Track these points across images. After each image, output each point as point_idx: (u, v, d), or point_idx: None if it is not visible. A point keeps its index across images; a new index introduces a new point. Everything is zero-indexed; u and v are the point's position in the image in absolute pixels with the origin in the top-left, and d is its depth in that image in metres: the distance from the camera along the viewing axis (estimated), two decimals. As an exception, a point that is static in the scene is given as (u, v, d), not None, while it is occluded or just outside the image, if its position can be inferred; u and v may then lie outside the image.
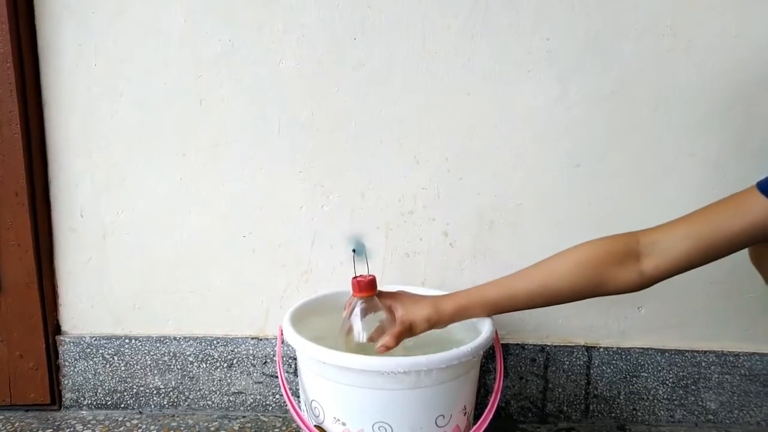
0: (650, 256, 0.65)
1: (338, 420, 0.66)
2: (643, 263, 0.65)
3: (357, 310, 0.73)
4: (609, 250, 0.67)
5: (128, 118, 0.89)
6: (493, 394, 0.70)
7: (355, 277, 0.73)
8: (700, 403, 0.94)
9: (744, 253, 0.89)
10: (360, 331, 0.72)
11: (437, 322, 0.71)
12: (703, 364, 0.92)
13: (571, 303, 0.91)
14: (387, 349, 0.68)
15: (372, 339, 0.71)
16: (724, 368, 0.92)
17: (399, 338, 0.69)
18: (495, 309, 0.72)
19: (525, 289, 0.70)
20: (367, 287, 0.72)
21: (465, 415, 0.70)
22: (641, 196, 0.88)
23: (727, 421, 0.94)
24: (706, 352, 0.92)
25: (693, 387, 0.93)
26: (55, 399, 0.97)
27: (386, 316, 0.72)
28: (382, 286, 0.75)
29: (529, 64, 0.85)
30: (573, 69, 0.85)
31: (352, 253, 0.73)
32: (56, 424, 0.93)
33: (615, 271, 0.66)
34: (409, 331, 0.70)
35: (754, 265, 0.74)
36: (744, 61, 0.84)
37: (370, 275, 0.73)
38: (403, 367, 0.61)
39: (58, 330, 0.96)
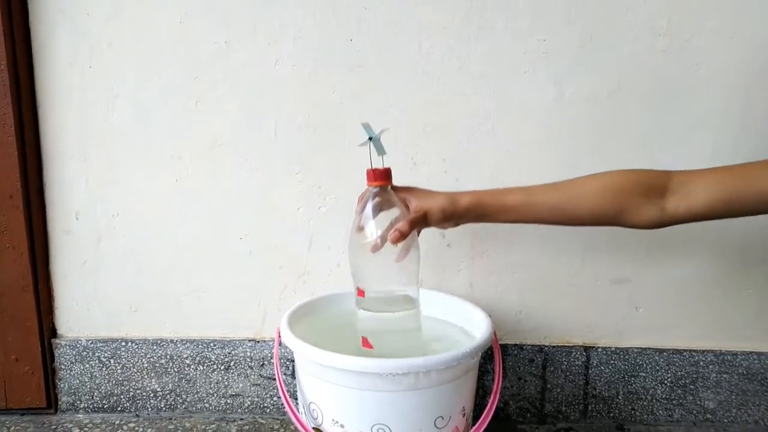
0: (675, 195, 0.64)
1: (336, 422, 0.66)
2: (667, 200, 0.64)
3: (370, 203, 0.68)
4: (639, 180, 0.66)
5: (123, 120, 0.89)
6: (492, 395, 0.70)
7: (370, 168, 0.69)
8: (699, 403, 0.94)
9: (742, 254, 0.90)
10: (372, 226, 0.67)
11: (452, 214, 0.68)
12: (702, 363, 0.92)
13: (569, 302, 0.92)
14: (401, 235, 0.65)
15: (384, 238, 0.67)
16: (722, 367, 0.92)
17: (413, 225, 0.66)
18: (511, 214, 0.69)
19: (546, 200, 0.68)
20: (382, 176, 0.68)
21: (464, 416, 0.70)
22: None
23: (725, 420, 0.94)
24: (704, 351, 0.92)
25: (691, 386, 0.93)
26: (51, 403, 0.96)
27: (401, 211, 0.68)
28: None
29: (526, 65, 0.85)
30: (569, 70, 0.85)
31: (368, 141, 0.68)
32: (52, 428, 0.93)
33: (639, 202, 0.65)
34: (423, 220, 0.67)
35: None
36: (739, 61, 0.84)
37: (385, 167, 0.69)
38: (402, 368, 0.61)
39: (53, 333, 0.96)
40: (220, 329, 0.95)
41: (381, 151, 0.69)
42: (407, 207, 0.69)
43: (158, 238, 0.92)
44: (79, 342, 0.95)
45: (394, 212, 0.69)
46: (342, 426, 0.65)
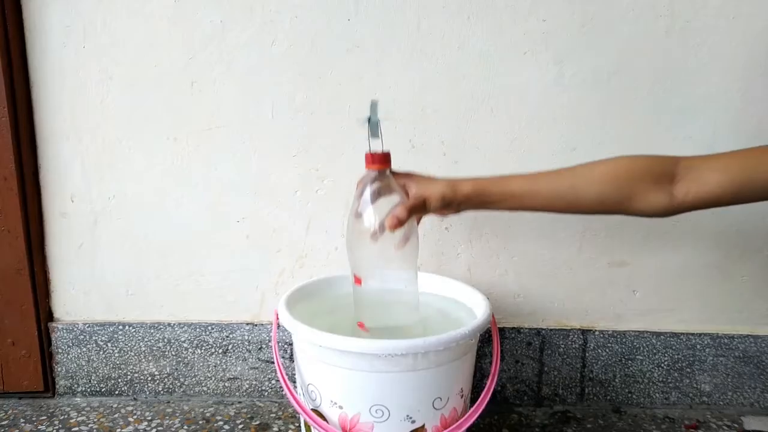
0: (684, 181, 0.62)
1: (335, 403, 0.66)
2: (675, 186, 0.62)
3: (369, 188, 0.67)
4: (646, 166, 0.64)
5: (118, 101, 0.88)
6: (490, 377, 0.70)
7: (369, 152, 0.67)
8: (695, 386, 0.94)
9: (739, 237, 0.89)
10: (371, 213, 0.66)
11: (452, 200, 0.66)
12: (698, 346, 0.93)
13: (567, 285, 0.92)
14: (399, 222, 0.63)
15: (383, 225, 0.65)
16: (719, 350, 0.93)
17: (411, 211, 0.64)
18: (514, 202, 0.66)
19: (550, 187, 0.66)
20: (381, 159, 0.66)
21: (462, 398, 0.70)
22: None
23: (721, 403, 0.95)
24: (701, 334, 0.92)
25: (688, 369, 0.94)
26: (49, 386, 0.96)
27: (400, 197, 0.67)
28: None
29: (525, 45, 0.84)
30: (569, 51, 0.84)
31: (367, 123, 0.66)
32: (50, 411, 0.93)
33: (647, 188, 0.63)
34: (422, 206, 0.66)
35: None
36: (741, 42, 0.83)
37: (384, 151, 0.67)
38: (401, 349, 0.61)
39: (50, 317, 0.96)
40: (218, 313, 0.95)
41: (375, 134, 0.67)
42: (407, 193, 0.68)
43: (155, 221, 0.92)
44: (76, 326, 0.94)
45: (393, 198, 0.67)
46: (340, 407, 0.66)
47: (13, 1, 0.84)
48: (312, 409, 0.69)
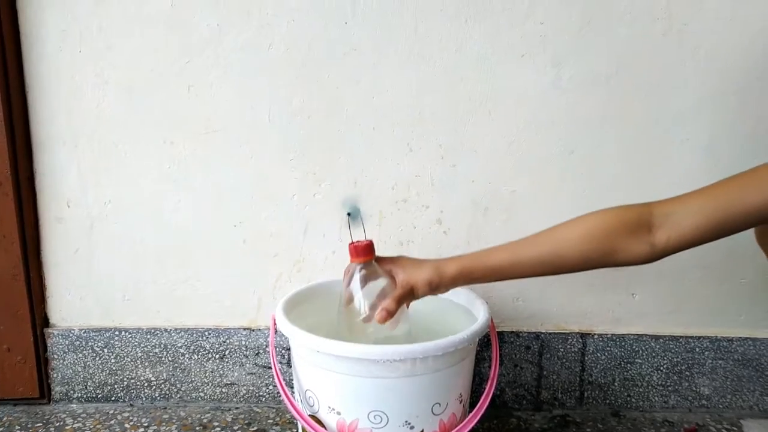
0: (662, 228, 0.63)
1: (333, 409, 0.65)
2: (655, 235, 0.63)
3: (356, 277, 0.69)
4: (622, 219, 0.65)
5: (115, 106, 0.87)
6: (489, 382, 0.70)
7: (352, 243, 0.69)
8: (694, 389, 0.94)
9: (737, 240, 0.89)
10: (361, 299, 0.68)
11: (439, 285, 0.68)
12: (697, 349, 0.92)
13: (565, 289, 0.91)
14: (388, 314, 0.66)
15: (373, 308, 0.68)
16: (718, 353, 0.92)
17: (400, 301, 0.67)
18: (499, 274, 0.68)
19: (532, 255, 0.67)
20: (364, 251, 0.69)
21: (461, 403, 0.70)
22: (635, 182, 0.88)
23: (720, 406, 0.94)
24: (700, 337, 0.92)
25: (687, 373, 0.93)
26: (44, 392, 0.95)
27: (387, 282, 0.69)
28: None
29: (523, 48, 0.84)
30: (567, 53, 0.84)
31: (347, 217, 0.69)
32: (46, 417, 0.92)
33: (626, 241, 0.64)
34: (410, 294, 0.68)
35: (758, 243, 0.73)
36: (738, 45, 0.83)
37: (367, 240, 0.70)
38: (399, 354, 0.60)
39: (46, 322, 0.95)
40: (215, 318, 0.94)
41: (353, 225, 0.71)
42: (393, 279, 0.69)
43: (151, 226, 0.91)
44: (72, 331, 0.94)
45: (380, 282, 0.69)
46: (339, 413, 0.65)
47: (9, 5, 0.84)
48: (310, 415, 0.68)
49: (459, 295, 0.79)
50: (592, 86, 0.85)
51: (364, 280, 0.69)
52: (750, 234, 0.89)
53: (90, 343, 0.94)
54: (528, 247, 0.68)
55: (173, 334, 0.94)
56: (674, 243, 0.63)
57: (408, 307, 0.71)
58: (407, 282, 0.68)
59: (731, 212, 0.61)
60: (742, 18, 0.82)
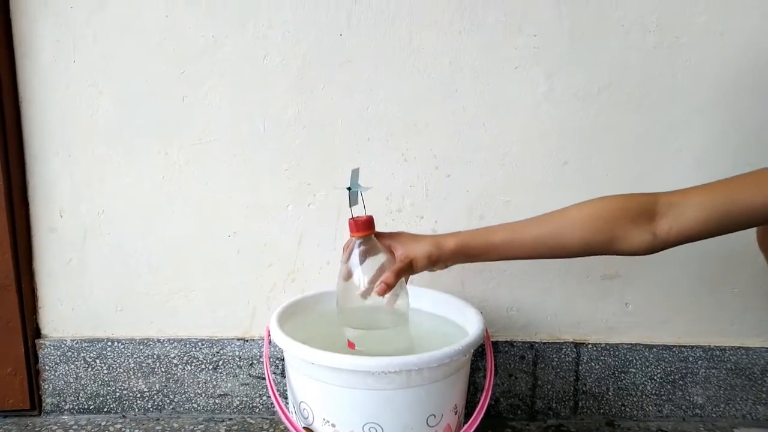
0: (665, 218, 0.63)
1: (328, 421, 0.65)
2: (657, 224, 0.63)
3: (356, 252, 0.68)
4: (625, 206, 0.65)
5: (109, 116, 0.87)
6: (484, 392, 0.70)
7: (352, 218, 0.69)
8: (688, 398, 0.94)
9: (729, 249, 0.90)
10: (360, 275, 0.68)
11: (438, 259, 0.67)
12: (690, 359, 0.93)
13: (559, 298, 0.92)
14: (387, 287, 0.65)
15: (372, 283, 0.67)
16: (711, 363, 0.93)
17: (399, 275, 0.66)
18: (498, 253, 0.68)
19: (533, 235, 0.67)
20: (364, 226, 0.68)
21: (456, 414, 0.69)
22: (627, 192, 0.88)
23: (714, 415, 0.95)
24: (693, 347, 0.93)
25: (680, 382, 0.94)
26: (35, 404, 0.94)
27: (386, 258, 0.68)
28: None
29: (516, 60, 0.85)
30: (560, 65, 0.85)
31: (347, 191, 0.68)
32: (36, 429, 0.91)
33: (629, 229, 0.63)
34: (409, 268, 0.67)
35: (759, 247, 0.73)
36: (729, 57, 0.84)
37: (367, 215, 0.69)
38: (394, 366, 0.60)
39: (37, 333, 0.94)
40: (208, 328, 0.94)
41: (353, 202, 0.69)
42: (392, 254, 0.69)
43: (145, 236, 0.91)
44: (64, 342, 0.93)
45: (380, 258, 0.69)
46: (333, 425, 0.65)
47: (2, 15, 0.84)
48: (304, 427, 0.68)
49: (453, 305, 0.79)
50: (585, 98, 0.86)
51: (364, 255, 0.68)
52: (742, 243, 0.90)
53: (82, 354, 0.93)
54: (529, 226, 0.68)
55: (166, 345, 0.93)
56: (675, 234, 0.63)
57: (407, 282, 0.71)
58: (406, 256, 0.67)
59: (734, 209, 0.61)
60: (732, 32, 0.83)
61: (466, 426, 0.67)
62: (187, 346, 0.93)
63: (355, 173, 0.69)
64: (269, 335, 0.71)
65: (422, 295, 0.81)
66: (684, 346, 0.93)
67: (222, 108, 0.87)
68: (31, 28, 0.84)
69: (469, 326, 0.73)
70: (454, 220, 0.90)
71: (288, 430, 0.68)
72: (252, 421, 0.94)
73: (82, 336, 0.94)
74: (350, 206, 0.69)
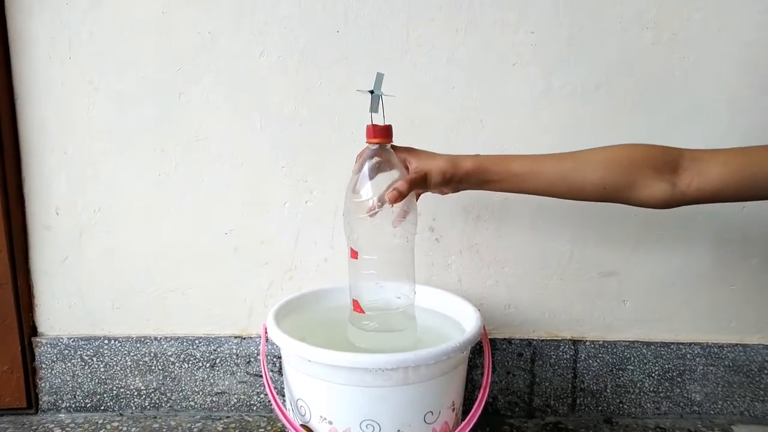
0: (688, 171, 0.61)
1: (325, 419, 0.65)
2: (679, 177, 0.62)
3: (369, 163, 0.65)
4: (650, 154, 0.64)
5: (104, 113, 0.87)
6: (482, 390, 0.70)
7: (370, 124, 0.65)
8: (686, 395, 0.94)
9: (727, 246, 0.90)
10: (369, 187, 0.65)
11: (452, 177, 0.65)
12: (689, 356, 0.93)
13: (557, 296, 0.92)
14: (399, 195, 0.62)
15: (381, 200, 0.64)
16: (709, 360, 0.93)
17: (412, 185, 0.63)
18: (516, 182, 0.66)
19: (553, 168, 0.65)
20: (382, 133, 0.65)
21: (453, 411, 0.69)
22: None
23: (712, 412, 0.95)
24: (691, 344, 0.93)
25: (678, 379, 0.94)
26: (32, 402, 0.94)
27: (400, 173, 0.65)
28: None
29: (514, 57, 0.85)
30: (558, 62, 0.85)
31: (369, 95, 0.64)
32: (33, 428, 0.91)
33: (649, 176, 0.62)
34: (423, 181, 0.65)
35: None
36: (726, 55, 0.84)
37: (386, 123, 0.65)
38: (391, 363, 0.60)
39: (34, 331, 0.94)
40: (205, 326, 0.93)
41: (374, 108, 0.65)
42: (407, 168, 0.67)
43: (141, 234, 0.90)
44: (61, 340, 0.93)
45: (393, 174, 0.66)
46: (330, 422, 0.65)
47: (-3, 11, 0.83)
48: (302, 425, 0.68)
49: (451, 302, 0.79)
50: (582, 95, 0.86)
51: (376, 167, 0.66)
52: (739, 239, 0.90)
53: (79, 352, 0.93)
54: (550, 160, 0.66)
55: (163, 343, 0.93)
56: (695, 189, 0.61)
57: (418, 199, 0.69)
58: (421, 169, 0.65)
59: (758, 173, 0.60)
60: (730, 29, 0.83)
61: (463, 423, 0.67)
62: (184, 343, 0.93)
63: (379, 77, 0.65)
64: (266, 333, 0.71)
65: (420, 292, 0.81)
66: (682, 343, 0.93)
67: (218, 105, 0.86)
68: (26, 25, 0.84)
69: (467, 323, 0.73)
70: (452, 218, 0.90)
71: (285, 427, 0.68)
72: (249, 418, 0.93)
73: (78, 334, 0.93)
74: (370, 112, 0.65)
